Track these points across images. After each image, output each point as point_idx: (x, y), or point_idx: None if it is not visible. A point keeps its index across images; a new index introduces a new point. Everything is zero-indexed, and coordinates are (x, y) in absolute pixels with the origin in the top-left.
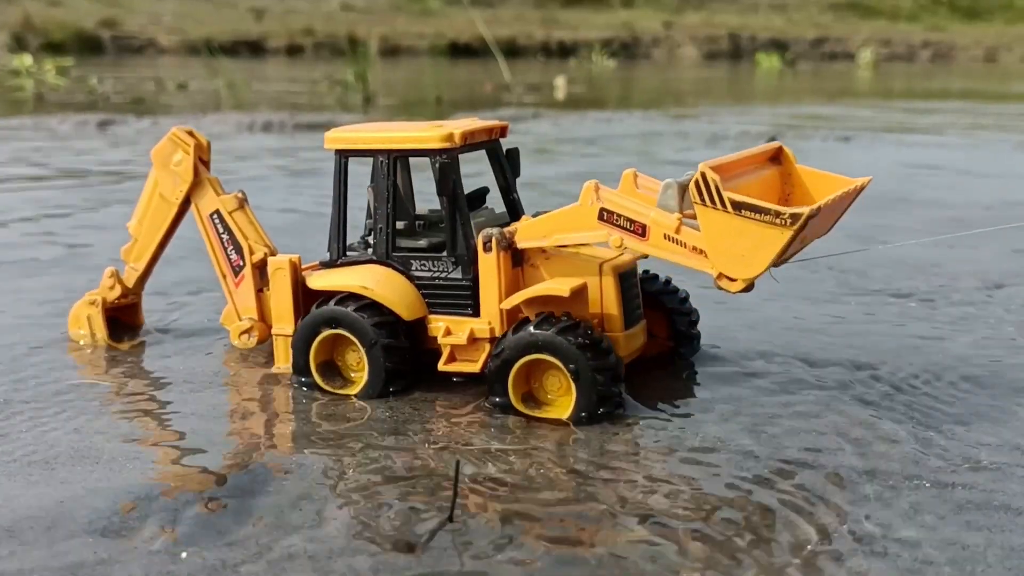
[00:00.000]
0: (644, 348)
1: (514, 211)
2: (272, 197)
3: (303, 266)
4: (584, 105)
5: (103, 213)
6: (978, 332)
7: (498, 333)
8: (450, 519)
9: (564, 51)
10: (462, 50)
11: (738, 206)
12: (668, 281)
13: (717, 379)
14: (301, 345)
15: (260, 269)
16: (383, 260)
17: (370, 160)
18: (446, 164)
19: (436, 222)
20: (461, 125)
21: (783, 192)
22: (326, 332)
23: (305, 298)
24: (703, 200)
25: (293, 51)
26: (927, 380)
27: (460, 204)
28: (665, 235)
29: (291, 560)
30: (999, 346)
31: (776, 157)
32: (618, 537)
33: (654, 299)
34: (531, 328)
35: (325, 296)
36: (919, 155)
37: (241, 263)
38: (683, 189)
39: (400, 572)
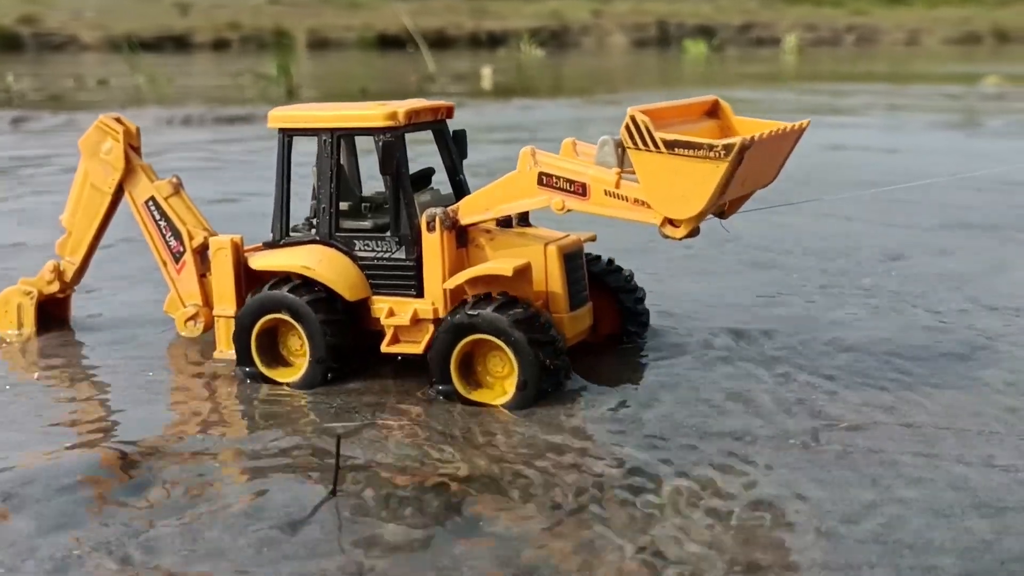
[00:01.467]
0: (591, 330)
1: (460, 192)
2: (196, 187)
3: (245, 247)
4: (510, 94)
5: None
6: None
7: (442, 314)
8: (333, 493)
9: (494, 41)
10: (391, 42)
11: (671, 144)
12: (611, 261)
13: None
14: (242, 333)
15: (201, 254)
16: (326, 240)
17: (315, 140)
18: (389, 143)
19: (382, 204)
20: (405, 104)
21: None
22: (267, 317)
23: (247, 280)
24: (635, 144)
25: (219, 46)
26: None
27: (404, 183)
28: (606, 191)
29: (170, 540)
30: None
31: (713, 111)
32: (497, 505)
33: (599, 279)
34: (467, 309)
35: (269, 278)
36: (836, 135)
37: (181, 249)
38: (619, 144)
39: (283, 545)
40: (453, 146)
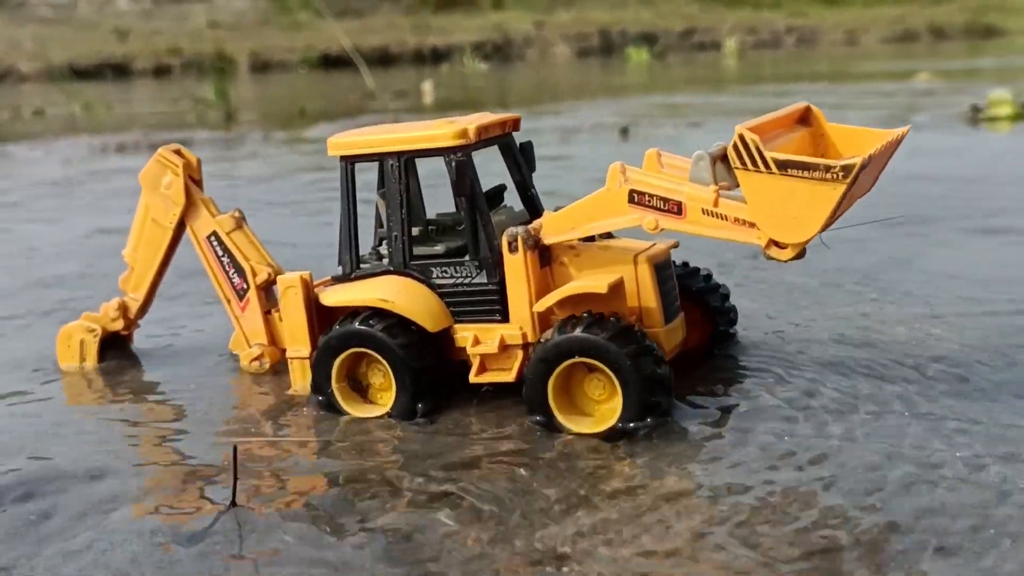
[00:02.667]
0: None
1: (533, 208)
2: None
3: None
4: (450, 108)
5: None
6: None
7: (531, 339)
8: (233, 504)
9: (437, 56)
10: (334, 61)
11: (783, 165)
12: (686, 264)
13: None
14: (322, 368)
15: (265, 291)
16: (400, 270)
17: (373, 165)
18: (463, 162)
19: (450, 226)
20: (474, 120)
21: (816, 153)
22: (348, 352)
23: (318, 316)
24: (744, 164)
25: (160, 72)
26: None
27: (480, 204)
28: (704, 210)
29: (74, 555)
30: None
31: (805, 118)
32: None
33: (682, 286)
34: (559, 331)
35: (341, 314)
36: None
37: (245, 286)
38: (715, 160)
39: (182, 561)
40: (522, 159)
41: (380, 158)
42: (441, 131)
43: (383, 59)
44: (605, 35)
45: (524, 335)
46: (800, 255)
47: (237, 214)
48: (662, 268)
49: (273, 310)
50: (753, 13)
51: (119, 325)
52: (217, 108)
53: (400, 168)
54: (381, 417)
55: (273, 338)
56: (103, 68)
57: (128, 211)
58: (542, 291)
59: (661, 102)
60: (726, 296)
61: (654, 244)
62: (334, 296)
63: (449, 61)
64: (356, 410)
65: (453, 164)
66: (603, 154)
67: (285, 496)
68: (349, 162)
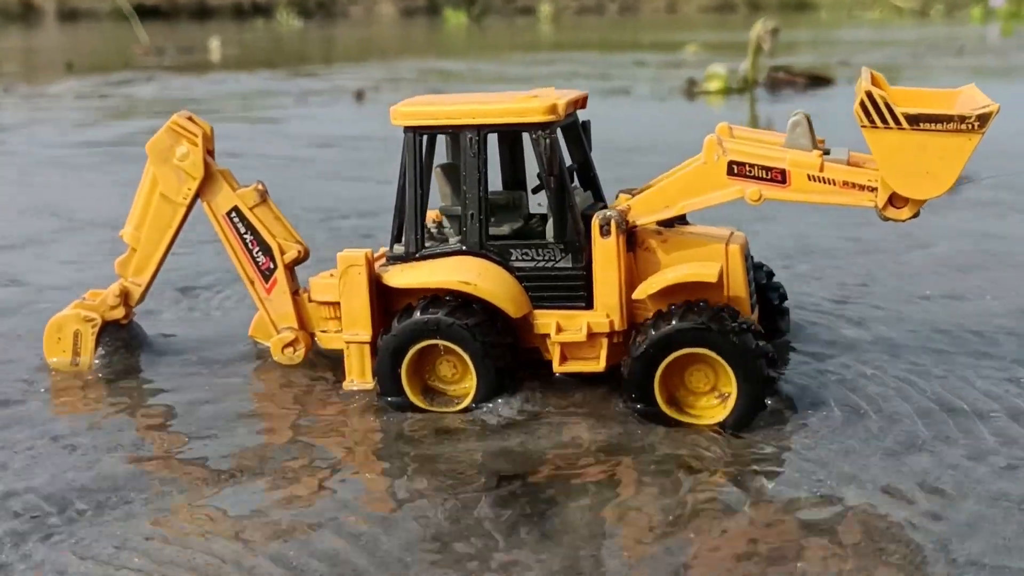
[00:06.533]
0: None
1: (596, 189)
2: None
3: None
4: (234, 67)
5: None
6: None
7: (618, 327)
8: None
9: (257, 11)
10: (150, 12)
11: (914, 120)
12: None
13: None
14: (389, 360)
15: (293, 270)
16: (475, 251)
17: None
18: (555, 140)
19: (502, 204)
20: (558, 95)
21: None
22: (423, 343)
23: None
24: (872, 122)
25: None
26: None
27: (567, 184)
28: (809, 176)
29: None
30: None
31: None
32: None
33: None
34: (677, 319)
35: (404, 296)
36: None
37: (271, 265)
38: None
39: None
40: (585, 138)
41: (456, 131)
42: (530, 105)
43: (200, 12)
44: None
45: (611, 323)
46: (916, 214)
47: (260, 187)
48: (747, 256)
49: (302, 291)
50: None
51: (119, 314)
52: None
53: (479, 142)
54: (463, 411)
55: (303, 322)
56: None
57: None
58: (629, 278)
59: (431, 67)
60: (784, 296)
61: (732, 232)
62: (402, 277)
63: (268, 17)
64: (429, 404)
65: (546, 141)
66: (330, 117)
67: None
68: (417, 133)
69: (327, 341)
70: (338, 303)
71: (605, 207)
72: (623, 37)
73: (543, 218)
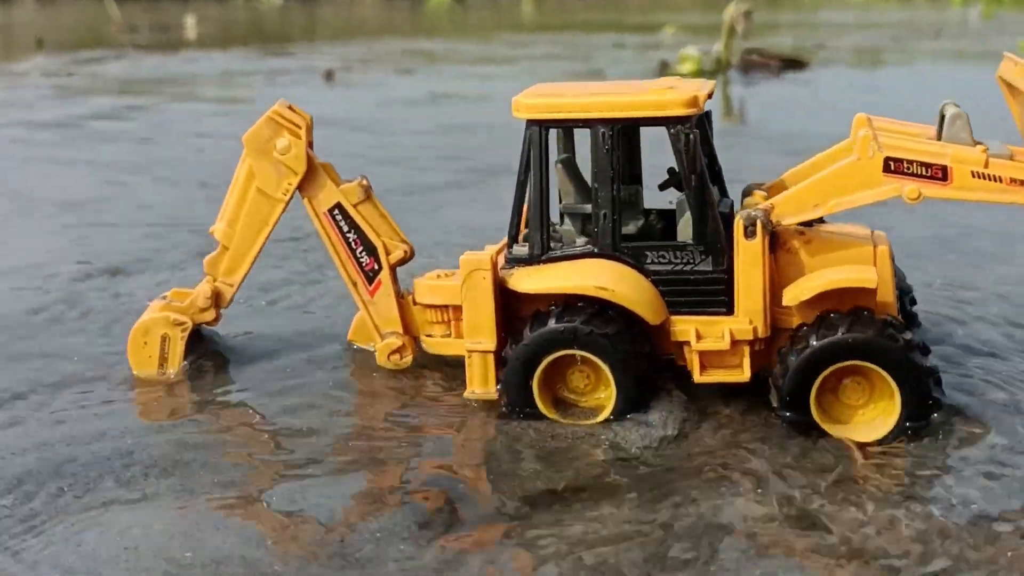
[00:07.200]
0: None
1: (722, 185)
2: None
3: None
4: (208, 45)
5: None
6: None
7: (761, 334)
8: None
9: None
10: None
11: None
12: None
13: None
14: (521, 370)
15: (395, 271)
16: (608, 253)
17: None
18: (696, 135)
19: (624, 202)
20: (694, 87)
21: None
22: (557, 353)
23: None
24: None
25: None
26: None
27: (707, 183)
28: (973, 173)
29: None
30: None
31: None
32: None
33: None
34: (844, 330)
35: (530, 301)
36: (474, 86)
37: (376, 267)
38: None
39: None
40: (710, 131)
41: (587, 124)
42: (668, 97)
43: None
44: None
45: (755, 329)
46: None
47: (364, 182)
48: (892, 259)
49: (407, 293)
50: None
51: (209, 316)
52: None
53: (614, 137)
54: (602, 423)
55: (408, 326)
56: None
57: None
58: (771, 281)
59: (411, 47)
60: (914, 300)
61: (872, 232)
62: (530, 282)
63: None
64: (562, 417)
65: (687, 137)
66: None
67: None
68: (543, 127)
69: (435, 346)
70: (446, 306)
71: (732, 204)
72: (607, 17)
73: (660, 215)
